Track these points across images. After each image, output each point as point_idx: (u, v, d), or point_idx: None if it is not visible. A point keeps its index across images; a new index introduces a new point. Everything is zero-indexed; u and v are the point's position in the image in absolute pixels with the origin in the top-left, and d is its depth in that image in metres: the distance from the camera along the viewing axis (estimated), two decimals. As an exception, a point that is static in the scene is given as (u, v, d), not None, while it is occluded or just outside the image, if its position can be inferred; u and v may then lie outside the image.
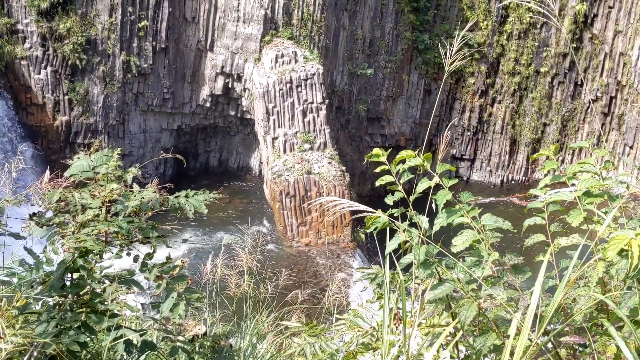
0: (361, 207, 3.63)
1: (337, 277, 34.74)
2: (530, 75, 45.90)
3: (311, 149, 37.92)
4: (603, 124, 46.10)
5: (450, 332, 3.81)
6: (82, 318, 5.25)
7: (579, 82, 46.17)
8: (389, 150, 4.23)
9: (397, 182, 4.00)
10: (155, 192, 5.44)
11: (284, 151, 37.82)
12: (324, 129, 38.29)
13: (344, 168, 37.62)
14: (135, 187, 5.55)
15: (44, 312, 5.22)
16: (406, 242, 3.84)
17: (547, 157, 4.02)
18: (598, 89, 45.48)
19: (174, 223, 5.62)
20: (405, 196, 3.96)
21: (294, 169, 36.86)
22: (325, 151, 38.00)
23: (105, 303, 5.31)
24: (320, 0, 39.87)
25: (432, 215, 3.98)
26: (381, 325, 4.53)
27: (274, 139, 38.15)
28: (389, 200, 4.01)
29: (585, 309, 3.36)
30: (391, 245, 3.81)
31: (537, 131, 46.81)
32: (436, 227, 3.85)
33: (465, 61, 3.75)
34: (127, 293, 5.45)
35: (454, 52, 3.62)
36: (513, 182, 47.94)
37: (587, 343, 3.48)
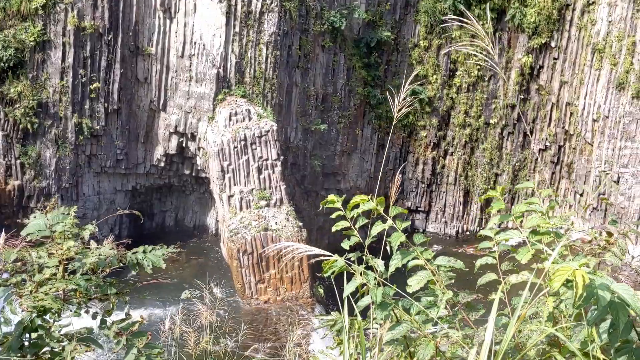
0: (318, 251, 3.72)
1: (297, 333, 34.55)
2: (480, 127, 46.75)
3: (267, 205, 37.94)
4: (553, 173, 46.99)
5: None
6: (41, 378, 5.20)
7: (528, 133, 47.14)
8: (344, 196, 4.34)
9: (353, 227, 4.11)
10: (112, 248, 5.46)
11: (240, 209, 37.77)
12: (280, 185, 38.40)
13: (301, 224, 37.64)
14: (93, 244, 5.57)
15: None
16: (363, 285, 3.93)
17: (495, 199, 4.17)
18: (547, 139, 46.48)
19: (150, 281, 5.64)
20: (361, 240, 4.06)
21: (251, 226, 36.80)
22: (281, 207, 38.05)
23: (65, 362, 5.28)
24: (272, 58, 40.35)
25: (387, 259, 4.07)
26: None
27: (230, 196, 38.12)
28: (345, 244, 4.10)
29: (538, 344, 3.47)
30: (348, 288, 3.90)
31: (489, 181, 47.51)
32: (392, 269, 3.95)
33: (413, 108, 3.91)
34: (85, 351, 5.42)
35: (401, 99, 3.77)
36: (468, 232, 48.40)
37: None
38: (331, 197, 4.15)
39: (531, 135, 47.11)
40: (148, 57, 40.10)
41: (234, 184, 38.19)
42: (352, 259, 4.01)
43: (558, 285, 3.07)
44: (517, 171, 47.43)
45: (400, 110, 3.80)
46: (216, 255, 41.82)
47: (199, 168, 41.99)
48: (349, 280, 3.93)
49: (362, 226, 4.13)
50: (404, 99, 3.80)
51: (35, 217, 5.60)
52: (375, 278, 3.87)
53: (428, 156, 47.53)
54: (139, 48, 39.96)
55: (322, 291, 37.94)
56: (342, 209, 4.17)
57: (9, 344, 5.32)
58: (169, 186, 44.17)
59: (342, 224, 4.13)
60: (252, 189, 38.13)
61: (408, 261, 3.92)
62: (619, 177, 42.04)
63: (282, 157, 39.02)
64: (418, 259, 3.90)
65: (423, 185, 48.11)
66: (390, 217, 3.98)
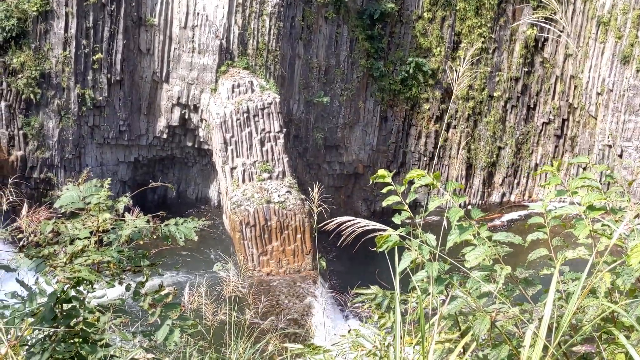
0: (376, 225, 3.71)
1: (301, 305, 34.72)
2: (483, 100, 46.62)
3: (270, 178, 37.92)
4: (556, 146, 46.97)
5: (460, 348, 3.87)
6: (75, 349, 5.22)
7: (532, 106, 47.06)
8: (394, 171, 4.32)
9: (404, 202, 4.09)
10: (149, 221, 5.45)
11: (243, 181, 37.75)
12: (282, 158, 38.35)
13: (303, 196, 37.62)
14: (128, 216, 5.56)
15: (37, 344, 5.19)
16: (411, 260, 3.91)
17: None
18: (550, 112, 46.40)
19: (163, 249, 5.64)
20: (412, 215, 4.05)
21: (254, 198, 36.80)
22: (284, 180, 38.03)
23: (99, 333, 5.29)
24: (275, 30, 40.13)
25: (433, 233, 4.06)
26: (385, 344, 4.60)
27: (233, 168, 38.08)
28: (397, 219, 4.09)
29: (593, 319, 3.48)
30: (404, 262, 3.88)
31: (492, 155, 47.48)
32: (450, 244, 3.94)
33: (473, 81, 3.88)
34: (121, 322, 5.44)
35: (460, 73, 3.75)
36: (470, 205, 48.41)
37: (597, 352, 3.59)
38: (381, 171, 4.12)
39: (535, 109, 47.02)
40: (151, 28, 39.87)
41: (237, 156, 38.14)
42: (403, 234, 3.99)
43: (636, 262, 3.07)
44: (521, 144, 47.40)
45: (460, 84, 3.78)
46: (218, 227, 41.79)
47: (202, 140, 41.91)
48: (400, 254, 3.92)
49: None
50: (463, 73, 3.78)
51: (68, 189, 5.58)
52: (430, 252, 3.86)
53: (431, 129, 47.43)
54: (142, 19, 39.73)
55: (324, 264, 38.02)
56: (392, 183, 4.15)
57: (42, 315, 5.33)
58: (171, 158, 44.12)
59: (393, 198, 4.12)
60: (255, 162, 38.08)
61: (466, 236, 3.91)
62: (622, 151, 42.03)
63: (284, 130, 38.94)
64: (475, 233, 3.89)
65: (425, 159, 48.06)
66: (448, 191, 3.97)
